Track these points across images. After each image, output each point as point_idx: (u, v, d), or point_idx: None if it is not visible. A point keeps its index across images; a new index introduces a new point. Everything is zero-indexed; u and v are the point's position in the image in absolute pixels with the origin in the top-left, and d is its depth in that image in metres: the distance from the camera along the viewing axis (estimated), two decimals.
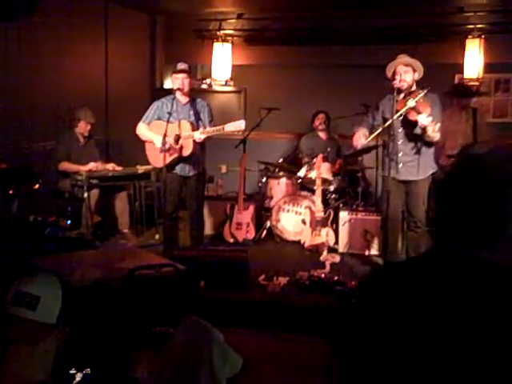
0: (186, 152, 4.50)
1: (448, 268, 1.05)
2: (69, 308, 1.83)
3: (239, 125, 4.40)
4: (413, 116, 4.05)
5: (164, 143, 4.34)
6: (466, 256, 1.05)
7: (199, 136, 4.40)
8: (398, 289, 1.09)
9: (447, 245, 1.10)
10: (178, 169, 4.62)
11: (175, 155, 4.52)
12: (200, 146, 4.60)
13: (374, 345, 1.08)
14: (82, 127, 5.33)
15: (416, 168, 4.16)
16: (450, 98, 5.47)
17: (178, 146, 4.47)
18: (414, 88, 4.17)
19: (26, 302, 1.73)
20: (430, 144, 4.20)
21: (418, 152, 4.18)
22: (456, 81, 6.27)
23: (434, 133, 3.96)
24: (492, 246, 1.05)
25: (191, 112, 4.61)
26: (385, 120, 4.32)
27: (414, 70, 4.15)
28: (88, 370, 1.70)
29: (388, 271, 1.20)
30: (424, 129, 4.01)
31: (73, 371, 1.71)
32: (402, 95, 4.15)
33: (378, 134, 4.24)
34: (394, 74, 4.15)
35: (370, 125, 4.40)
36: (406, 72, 4.12)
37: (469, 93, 5.66)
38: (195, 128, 4.49)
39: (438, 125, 3.95)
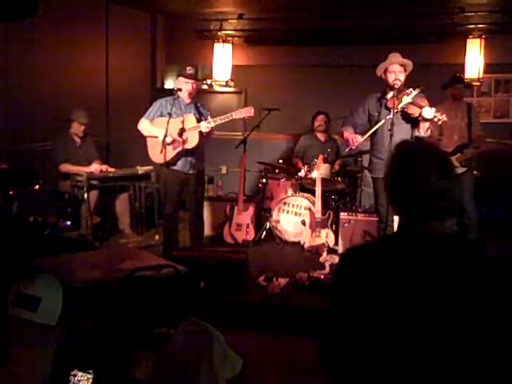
0: (191, 145, 4.46)
1: (403, 246, 1.40)
2: (69, 309, 1.83)
3: (248, 110, 4.40)
4: (413, 110, 4.04)
5: (166, 137, 4.33)
6: (416, 233, 1.39)
7: (206, 125, 4.38)
8: (369, 264, 1.41)
9: (403, 224, 1.44)
10: (180, 165, 4.59)
11: (179, 149, 4.49)
12: (202, 143, 4.58)
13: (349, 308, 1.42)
14: (76, 128, 5.32)
15: None
16: (445, 91, 5.47)
17: (181, 139, 4.45)
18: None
19: (27, 304, 1.74)
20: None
21: None
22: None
23: (440, 122, 3.94)
24: (435, 216, 1.36)
25: (194, 111, 4.62)
26: (370, 118, 4.32)
27: (405, 70, 4.16)
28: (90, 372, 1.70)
29: (362, 249, 1.53)
30: (427, 121, 4.01)
31: (74, 372, 1.71)
32: (390, 94, 4.15)
33: (374, 130, 4.20)
34: (386, 72, 4.16)
35: (355, 124, 4.40)
36: (400, 72, 4.13)
37: (460, 81, 5.63)
38: (200, 121, 4.49)
39: (444, 115, 3.94)
